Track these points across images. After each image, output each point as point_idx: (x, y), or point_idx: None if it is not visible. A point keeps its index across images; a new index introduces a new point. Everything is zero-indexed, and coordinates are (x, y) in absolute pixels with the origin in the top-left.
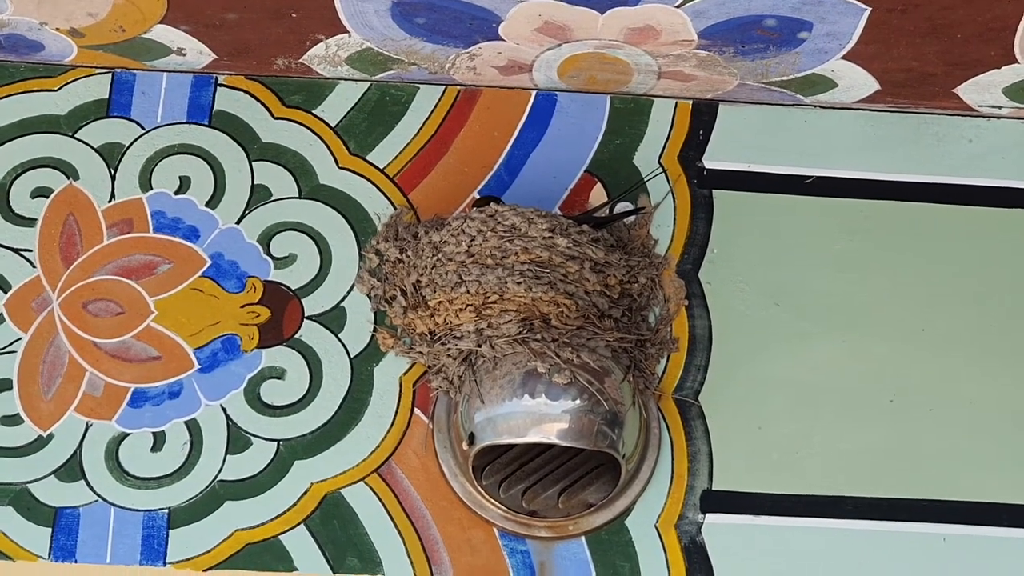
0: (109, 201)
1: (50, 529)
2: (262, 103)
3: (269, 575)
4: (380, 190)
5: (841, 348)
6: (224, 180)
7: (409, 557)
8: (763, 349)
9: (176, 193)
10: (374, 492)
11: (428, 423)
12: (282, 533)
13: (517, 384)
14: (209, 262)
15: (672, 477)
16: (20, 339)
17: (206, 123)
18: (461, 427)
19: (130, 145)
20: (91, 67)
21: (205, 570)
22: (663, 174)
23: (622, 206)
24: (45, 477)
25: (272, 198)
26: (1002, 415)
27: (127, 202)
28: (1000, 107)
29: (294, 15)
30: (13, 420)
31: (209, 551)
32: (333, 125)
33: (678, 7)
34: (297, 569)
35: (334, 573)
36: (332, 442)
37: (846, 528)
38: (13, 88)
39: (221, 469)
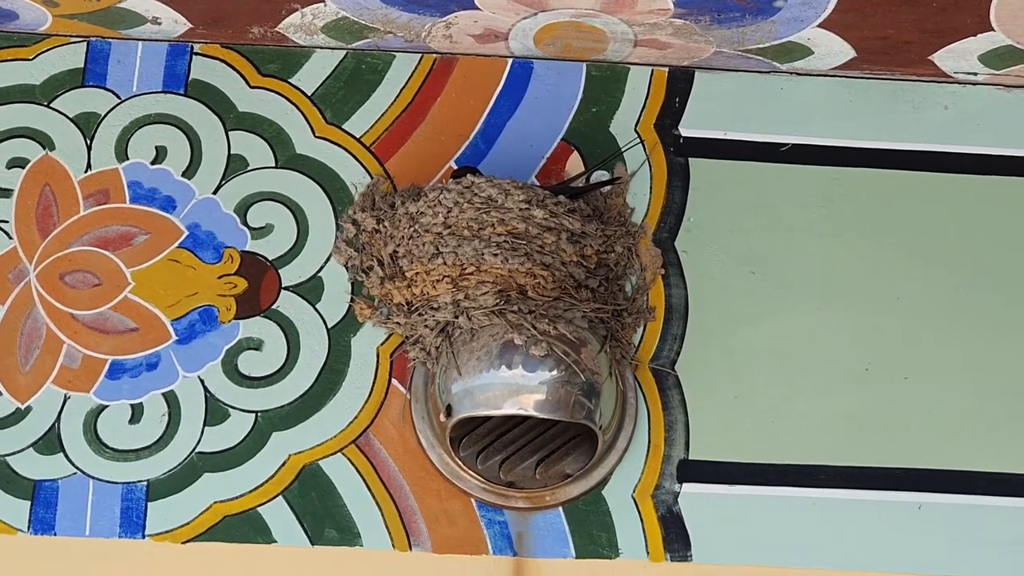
0: (85, 171)
1: (29, 502)
2: (238, 72)
3: (248, 547)
4: (357, 159)
5: (817, 316)
6: (200, 150)
7: (387, 528)
8: (739, 318)
9: (152, 163)
10: (352, 463)
11: (406, 394)
12: (260, 505)
13: (494, 355)
14: (186, 233)
15: (649, 447)
16: None
17: (182, 92)
18: (438, 398)
19: (106, 115)
20: (66, 36)
21: (184, 542)
22: (640, 144)
23: (598, 175)
24: (23, 450)
25: (249, 168)
26: (977, 383)
27: (103, 172)
28: (976, 74)
29: None
30: None
31: (188, 523)
32: (309, 94)
33: None
34: (276, 541)
35: (312, 544)
36: (310, 413)
37: (822, 497)
38: None
39: (199, 441)
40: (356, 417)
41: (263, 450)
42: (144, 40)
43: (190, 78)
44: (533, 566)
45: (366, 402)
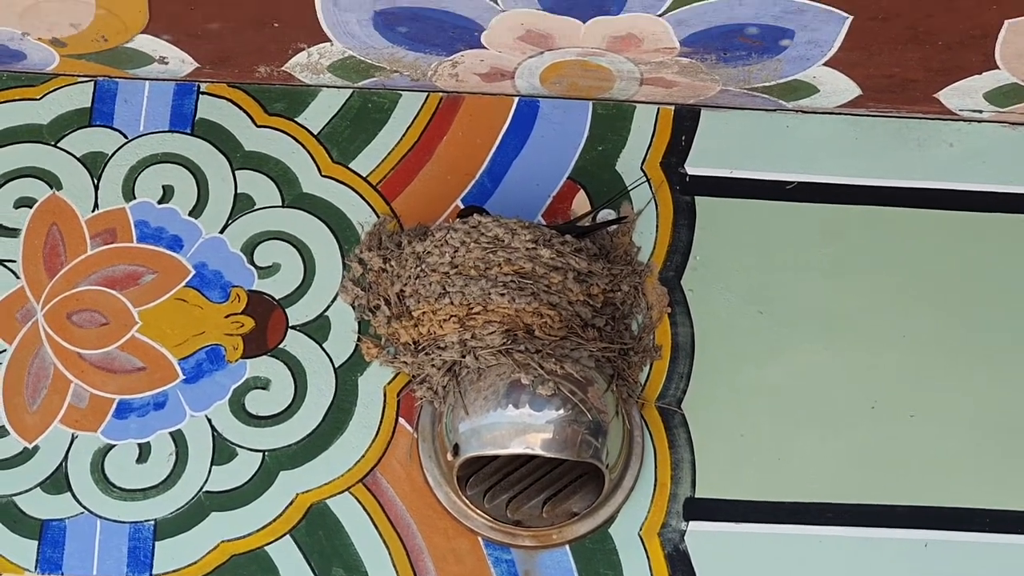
0: (92, 211)
1: (36, 542)
2: (245, 111)
3: None
4: (363, 198)
5: (823, 355)
6: (207, 189)
7: (395, 567)
8: (745, 356)
9: (159, 202)
10: (359, 502)
11: (413, 433)
12: (268, 544)
13: (501, 395)
14: (193, 272)
15: (655, 485)
16: (5, 351)
17: (189, 131)
18: (446, 437)
19: (113, 154)
20: (73, 76)
21: None
22: (646, 182)
23: (604, 214)
24: (31, 489)
25: (255, 207)
26: (984, 421)
27: (110, 212)
28: (981, 111)
29: (276, 24)
30: None
31: (195, 563)
32: (316, 133)
33: (660, 15)
34: None
35: None
36: (317, 452)
37: (828, 535)
38: None
39: (207, 480)
40: (363, 456)
41: (270, 489)
42: (151, 80)
43: (197, 117)
44: None
45: (373, 441)
